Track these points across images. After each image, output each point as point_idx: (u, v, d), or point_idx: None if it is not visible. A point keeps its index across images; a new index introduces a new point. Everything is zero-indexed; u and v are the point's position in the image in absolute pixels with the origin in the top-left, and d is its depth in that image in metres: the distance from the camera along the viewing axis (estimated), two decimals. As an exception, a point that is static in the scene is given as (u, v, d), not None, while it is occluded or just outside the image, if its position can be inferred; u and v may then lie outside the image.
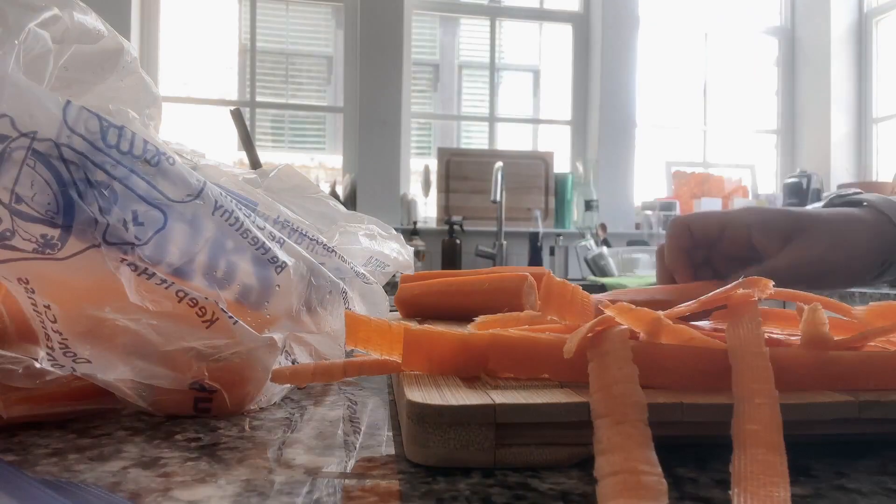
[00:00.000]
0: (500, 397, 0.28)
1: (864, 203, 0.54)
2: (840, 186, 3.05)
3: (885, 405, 0.29)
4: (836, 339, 0.32)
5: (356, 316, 0.34)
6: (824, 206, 0.58)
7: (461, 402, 0.28)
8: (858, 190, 0.58)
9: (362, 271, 0.48)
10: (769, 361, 0.27)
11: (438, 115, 3.55)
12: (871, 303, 0.36)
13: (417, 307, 0.60)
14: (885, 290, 1.79)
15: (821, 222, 0.51)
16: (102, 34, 0.40)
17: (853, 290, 1.82)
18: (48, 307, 0.33)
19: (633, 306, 0.30)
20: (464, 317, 0.35)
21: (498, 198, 2.64)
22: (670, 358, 0.31)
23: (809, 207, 0.57)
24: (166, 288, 0.34)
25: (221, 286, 0.37)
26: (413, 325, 0.33)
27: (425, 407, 0.27)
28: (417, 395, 0.29)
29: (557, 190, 3.33)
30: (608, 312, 0.30)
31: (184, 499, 0.24)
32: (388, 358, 0.34)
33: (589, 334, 0.30)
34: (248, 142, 0.90)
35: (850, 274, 0.52)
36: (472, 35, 3.57)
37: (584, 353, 0.29)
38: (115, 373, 0.34)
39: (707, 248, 0.55)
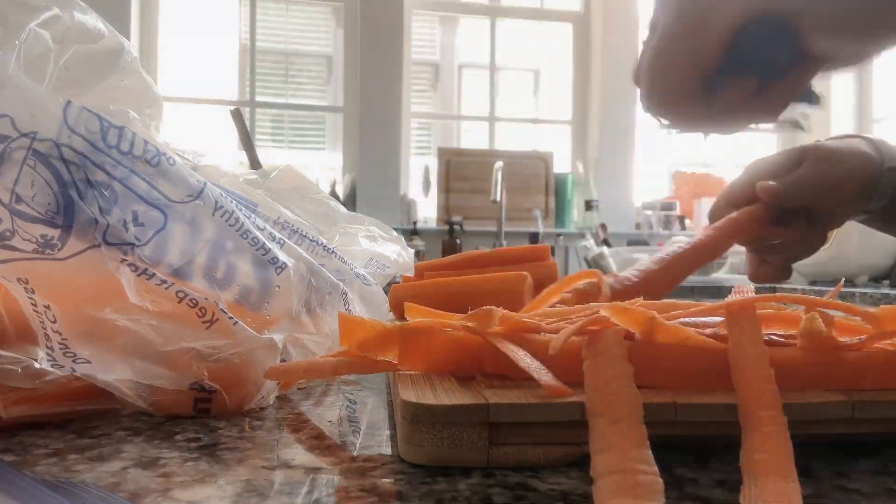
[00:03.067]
0: (493, 396, 0.28)
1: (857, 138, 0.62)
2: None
3: (879, 405, 0.29)
4: (839, 340, 0.32)
5: (350, 317, 0.34)
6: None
7: (454, 402, 0.28)
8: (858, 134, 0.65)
9: (362, 273, 0.48)
10: (775, 384, 0.27)
11: (438, 114, 3.55)
12: (882, 305, 0.36)
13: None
14: (885, 290, 1.79)
15: (816, 149, 0.59)
16: (103, 34, 0.40)
17: (854, 290, 1.82)
18: (48, 307, 0.33)
19: (629, 306, 0.30)
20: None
21: (498, 198, 2.65)
22: (666, 357, 0.31)
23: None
24: (166, 288, 0.34)
25: (221, 287, 0.37)
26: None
27: (419, 406, 0.27)
28: (411, 394, 0.29)
29: (557, 190, 3.33)
30: (603, 312, 0.30)
31: (184, 499, 0.24)
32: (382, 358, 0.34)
33: (579, 335, 0.30)
34: (247, 142, 0.90)
35: (843, 195, 0.58)
36: (472, 35, 3.57)
37: (579, 353, 0.29)
38: (115, 373, 0.34)
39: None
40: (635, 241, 3.25)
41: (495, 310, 0.32)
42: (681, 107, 0.36)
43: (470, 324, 0.32)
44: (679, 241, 0.58)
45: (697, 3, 0.34)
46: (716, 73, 0.35)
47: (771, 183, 0.58)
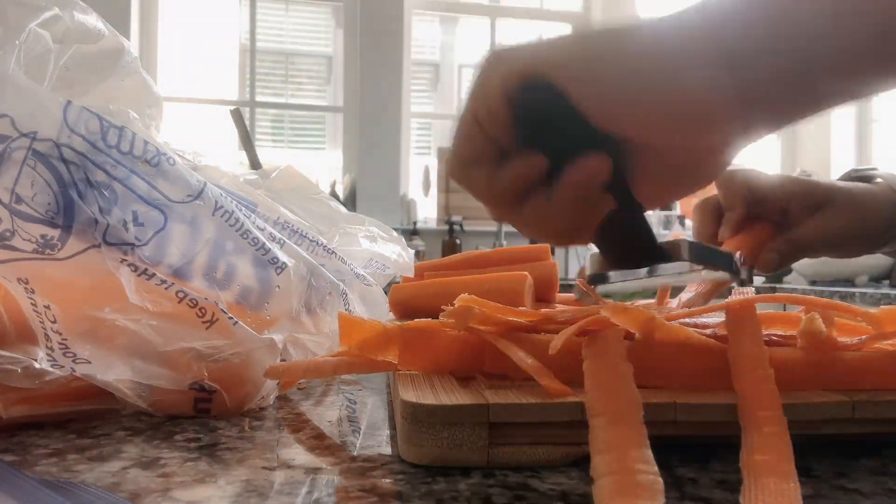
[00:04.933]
0: (493, 397, 0.28)
1: (878, 179, 0.61)
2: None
3: (879, 405, 0.29)
4: (839, 340, 0.32)
5: (350, 317, 0.34)
6: (841, 179, 0.64)
7: (454, 402, 0.28)
8: (874, 167, 0.64)
9: (362, 273, 0.48)
10: (775, 384, 0.27)
11: (438, 114, 3.55)
12: (882, 305, 0.36)
13: (412, 309, 0.60)
14: (886, 290, 1.79)
15: (845, 196, 0.57)
16: (103, 34, 0.40)
17: (854, 290, 1.82)
18: (48, 307, 0.33)
19: (629, 306, 0.30)
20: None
21: (498, 198, 2.64)
22: (666, 357, 0.31)
23: (834, 180, 0.62)
24: (166, 288, 0.34)
25: (221, 287, 0.37)
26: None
27: (419, 406, 0.28)
28: (411, 394, 0.29)
29: (557, 190, 3.32)
30: (603, 312, 0.30)
31: (183, 499, 0.24)
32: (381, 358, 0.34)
33: (577, 334, 0.30)
34: (247, 142, 0.90)
35: (865, 241, 0.58)
36: (472, 35, 3.56)
37: (579, 353, 0.29)
38: (115, 373, 0.34)
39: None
40: (635, 241, 3.25)
41: (474, 307, 0.32)
42: (472, 175, 0.30)
43: (450, 321, 0.32)
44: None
45: (490, 58, 0.29)
46: (513, 145, 0.30)
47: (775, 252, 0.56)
